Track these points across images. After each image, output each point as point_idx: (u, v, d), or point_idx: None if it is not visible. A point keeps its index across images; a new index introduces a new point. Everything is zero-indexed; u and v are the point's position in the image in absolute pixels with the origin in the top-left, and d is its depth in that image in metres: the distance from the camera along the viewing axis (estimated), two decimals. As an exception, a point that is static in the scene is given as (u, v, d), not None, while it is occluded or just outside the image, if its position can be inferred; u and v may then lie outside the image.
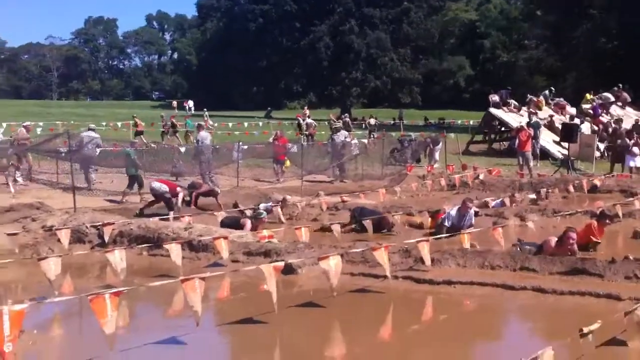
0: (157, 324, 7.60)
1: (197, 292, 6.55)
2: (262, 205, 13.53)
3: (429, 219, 12.70)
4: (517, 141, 22.94)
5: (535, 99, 31.53)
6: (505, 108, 30.26)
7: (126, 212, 13.52)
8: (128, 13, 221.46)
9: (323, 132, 33.94)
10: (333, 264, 7.72)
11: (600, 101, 31.96)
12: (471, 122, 38.64)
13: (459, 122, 44.77)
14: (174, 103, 68.63)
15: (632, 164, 21.12)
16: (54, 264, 7.97)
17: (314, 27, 63.43)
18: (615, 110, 32.44)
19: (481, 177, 19.69)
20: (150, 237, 10.64)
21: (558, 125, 27.89)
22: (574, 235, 9.58)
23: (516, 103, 31.09)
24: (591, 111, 30.55)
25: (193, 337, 6.61)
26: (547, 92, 33.81)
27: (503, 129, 31.46)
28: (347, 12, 63.83)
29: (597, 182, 17.61)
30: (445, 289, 8.34)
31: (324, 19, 63.87)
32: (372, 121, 39.60)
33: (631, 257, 8.69)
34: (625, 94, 34.20)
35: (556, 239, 9.69)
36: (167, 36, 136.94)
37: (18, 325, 5.61)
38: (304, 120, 34.43)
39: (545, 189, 16.19)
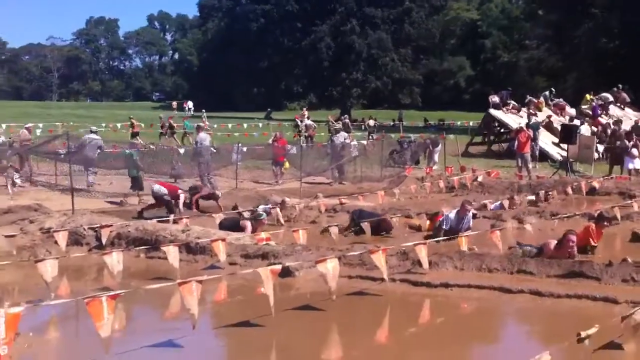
0: (153, 326, 7.58)
1: (194, 295, 6.55)
2: (261, 207, 13.52)
3: (427, 222, 12.69)
4: (516, 143, 22.94)
5: (535, 100, 31.52)
6: (504, 109, 30.26)
7: (124, 214, 13.50)
8: (129, 13, 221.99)
9: (322, 134, 33.93)
10: (330, 266, 7.71)
11: (600, 102, 31.97)
12: (471, 124, 38.66)
13: (459, 123, 44.80)
14: (174, 104, 68.68)
15: (631, 166, 21.09)
16: (50, 266, 7.96)
17: (315, 27, 63.41)
18: (614, 111, 32.44)
19: (480, 179, 19.68)
20: (148, 240, 10.63)
21: (556, 126, 27.89)
22: (574, 238, 9.57)
23: (515, 104, 31.09)
24: (590, 112, 30.54)
25: (190, 340, 6.61)
26: (547, 92, 33.82)
27: (502, 130, 31.45)
28: (349, 12, 63.80)
29: (596, 184, 17.60)
30: (442, 291, 8.33)
31: (325, 19, 63.85)
32: (371, 122, 39.62)
33: (630, 260, 8.69)
34: (624, 95, 34.20)
35: (556, 241, 9.68)
36: (169, 36, 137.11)
37: (14, 328, 5.61)
38: (302, 121, 34.44)
39: (544, 191, 16.18)
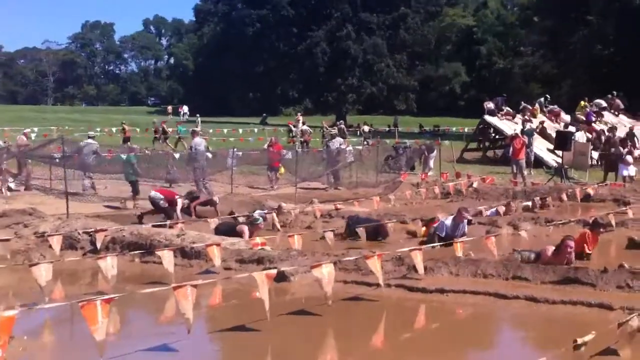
0: (148, 330, 7.57)
1: (188, 300, 6.54)
2: (257, 213, 13.51)
3: (422, 228, 12.69)
4: (511, 149, 23.01)
5: (529, 107, 31.64)
6: (499, 115, 30.36)
7: (119, 219, 13.48)
8: (125, 18, 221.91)
9: (317, 139, 33.97)
10: (326, 271, 7.70)
11: (595, 108, 32.11)
12: (466, 130, 38.76)
13: (454, 129, 44.90)
14: (169, 109, 68.64)
15: (625, 172, 21.17)
16: (45, 270, 7.94)
17: (311, 33, 63.55)
18: (609, 118, 32.58)
19: (475, 185, 19.73)
20: (143, 244, 10.61)
21: (550, 132, 28.01)
22: (572, 244, 9.57)
23: (510, 110, 31.20)
24: (583, 117, 30.66)
25: (184, 345, 6.58)
26: (542, 99, 33.98)
27: (497, 136, 31.55)
28: (344, 17, 63.97)
29: (591, 191, 17.66)
30: (437, 297, 8.33)
31: (321, 24, 64.01)
32: (366, 128, 39.72)
33: (626, 266, 8.70)
34: (618, 101, 34.39)
35: (553, 247, 9.68)
36: (164, 41, 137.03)
37: (8, 332, 5.59)
38: (295, 126, 34.48)
39: (538, 198, 16.22)
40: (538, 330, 7.50)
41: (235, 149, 20.40)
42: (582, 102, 33.10)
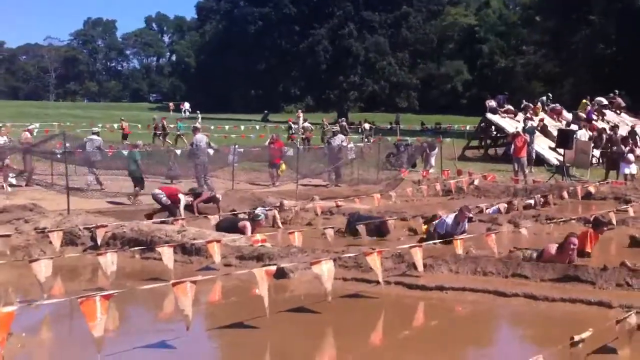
0: (147, 327, 7.56)
1: (188, 296, 6.53)
2: (259, 209, 13.50)
3: (423, 225, 12.67)
4: (512, 147, 22.98)
5: (531, 105, 31.59)
6: (501, 113, 30.33)
7: (120, 215, 13.48)
8: (127, 15, 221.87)
9: (317, 136, 33.97)
10: (325, 268, 7.71)
11: (595, 106, 32.07)
12: (468, 128, 38.72)
13: (456, 127, 44.84)
14: (171, 105, 68.62)
15: (627, 171, 21.14)
16: (45, 266, 7.94)
17: (313, 31, 63.50)
18: (611, 116, 32.53)
19: (476, 182, 19.72)
20: (143, 240, 10.62)
21: (551, 129, 27.99)
22: (575, 241, 9.53)
23: (512, 108, 31.16)
24: (584, 115, 30.62)
25: (183, 341, 6.58)
26: (544, 98, 33.93)
27: (499, 134, 31.51)
28: (347, 15, 63.89)
29: (592, 189, 17.64)
30: (437, 294, 8.32)
31: (323, 23, 63.94)
32: (367, 126, 39.67)
33: (629, 264, 8.68)
34: (619, 100, 34.32)
35: (557, 245, 9.66)
36: (166, 38, 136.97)
37: (6, 328, 5.59)
38: (295, 123, 34.46)
39: (539, 195, 16.20)
40: (537, 328, 7.50)
41: (236, 146, 20.41)
42: (584, 101, 33.05)
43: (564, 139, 22.18)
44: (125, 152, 17.41)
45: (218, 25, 79.08)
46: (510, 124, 29.25)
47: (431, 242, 10.45)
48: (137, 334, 7.15)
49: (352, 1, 63.85)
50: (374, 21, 64.25)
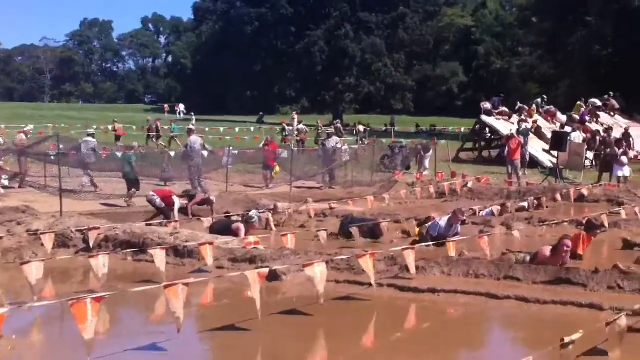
0: (138, 329, 7.55)
1: (179, 298, 6.52)
2: (253, 212, 13.50)
3: (416, 228, 12.67)
4: (506, 149, 23.01)
5: (526, 107, 31.67)
6: (496, 115, 30.39)
7: (113, 217, 13.47)
8: (124, 15, 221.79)
9: (310, 138, 33.99)
10: (318, 270, 7.70)
11: (589, 107, 32.17)
12: (462, 130, 38.77)
13: (450, 129, 44.91)
14: (166, 107, 68.58)
15: (620, 173, 21.16)
16: (36, 269, 7.92)
17: (309, 32, 63.54)
18: (605, 119, 32.63)
19: (470, 185, 19.74)
20: (136, 242, 10.60)
21: (545, 132, 28.05)
22: (569, 243, 9.55)
23: (507, 110, 31.22)
24: (577, 117, 30.73)
25: (174, 344, 6.57)
26: (539, 100, 34.02)
27: (493, 136, 31.57)
28: (343, 16, 63.93)
29: (585, 192, 17.68)
30: (429, 297, 8.33)
31: (320, 24, 63.97)
32: (361, 128, 39.69)
33: (621, 266, 8.70)
34: (613, 102, 34.44)
35: (550, 247, 9.68)
36: (162, 39, 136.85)
37: (-3, 330, 5.58)
38: (289, 125, 34.48)
39: (532, 198, 16.24)
40: (528, 331, 7.52)
41: (231, 148, 20.41)
42: (579, 102, 33.15)
43: (557, 141, 22.23)
44: (119, 154, 17.39)
45: (215, 26, 78.98)
46: (505, 126, 29.30)
47: (424, 244, 10.46)
48: (128, 337, 7.13)
49: (349, 2, 63.90)
50: (370, 22, 64.30)
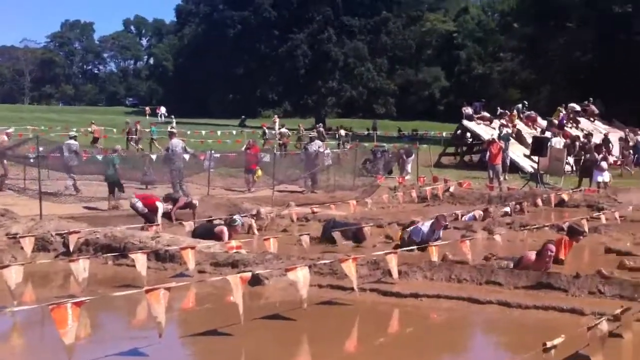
0: (119, 334, 7.48)
1: (161, 303, 6.48)
2: (236, 216, 13.43)
3: (399, 232, 12.68)
4: (488, 154, 23.16)
5: (507, 112, 31.92)
6: (477, 120, 30.60)
7: (93, 221, 13.34)
8: (105, 17, 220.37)
9: (292, 142, 33.99)
10: (301, 275, 7.69)
11: (570, 112, 32.49)
12: (444, 134, 38.99)
13: (432, 133, 45.14)
14: (147, 109, 68.19)
15: (600, 179, 21.36)
16: (15, 273, 7.82)
17: (292, 35, 63.56)
18: (585, 124, 32.95)
19: (452, 189, 19.84)
20: (117, 247, 10.51)
21: (525, 136, 28.29)
22: (552, 248, 9.62)
23: (488, 115, 31.46)
24: (556, 121, 31.02)
25: (156, 349, 6.52)
26: (520, 105, 34.29)
27: (474, 141, 31.77)
28: (326, 20, 64.08)
29: (565, 197, 17.83)
30: (412, 301, 8.33)
31: (303, 27, 64.04)
32: (342, 132, 39.77)
33: (605, 272, 8.76)
34: (593, 107, 34.80)
35: (535, 252, 9.73)
36: (144, 41, 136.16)
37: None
38: (270, 128, 34.47)
39: (513, 203, 16.34)
40: (510, 335, 7.54)
41: (212, 151, 20.32)
42: (559, 108, 33.48)
43: (538, 147, 22.39)
44: (99, 157, 17.26)
45: (197, 29, 78.75)
46: (486, 131, 29.50)
47: (406, 248, 10.47)
48: (109, 341, 7.07)
49: (332, 6, 64.05)
50: (353, 26, 64.53)
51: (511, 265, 9.70)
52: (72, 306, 5.92)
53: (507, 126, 29.18)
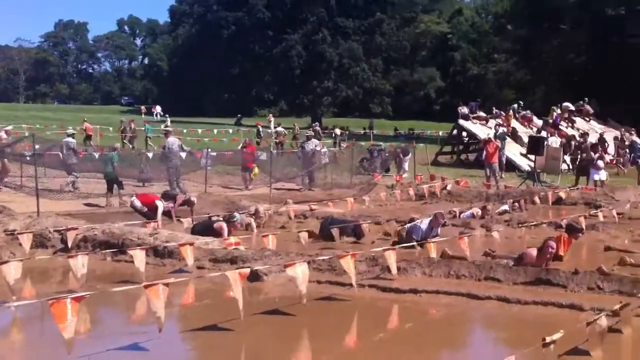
0: (119, 329, 7.47)
1: (160, 298, 6.46)
2: (236, 214, 13.40)
3: (397, 229, 12.68)
4: (484, 153, 23.20)
5: (503, 113, 32.00)
6: (473, 119, 30.66)
7: (91, 217, 13.32)
8: (99, 17, 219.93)
9: (288, 141, 33.96)
10: (300, 270, 7.68)
11: (565, 112, 32.57)
12: (440, 133, 39.06)
13: (429, 132, 45.20)
14: (143, 108, 68.09)
15: (596, 177, 21.44)
16: (14, 269, 7.80)
17: (286, 36, 63.53)
18: (581, 124, 33.04)
19: (449, 187, 19.87)
20: (115, 243, 10.48)
21: (521, 136, 28.35)
22: (553, 245, 9.64)
23: (484, 114, 31.53)
24: (550, 120, 31.10)
25: (156, 344, 6.51)
26: (515, 105, 34.36)
27: (471, 140, 31.83)
28: (321, 21, 64.10)
29: (562, 195, 17.87)
30: (411, 297, 8.33)
31: (297, 28, 64.04)
32: (338, 132, 39.78)
33: (605, 269, 8.77)
34: (588, 107, 34.89)
35: (536, 249, 9.74)
36: (139, 41, 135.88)
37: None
38: (265, 127, 34.46)
39: (512, 201, 16.37)
40: (510, 330, 7.55)
41: (209, 149, 20.30)
42: (553, 107, 33.55)
43: (534, 146, 22.45)
44: (96, 155, 17.24)
45: (191, 29, 78.73)
46: (482, 130, 29.55)
47: (405, 245, 10.48)
48: (109, 336, 7.05)
49: (326, 7, 64.05)
50: (347, 27, 64.57)
51: (511, 263, 9.71)
52: (72, 301, 5.90)
53: (502, 125, 29.22)
